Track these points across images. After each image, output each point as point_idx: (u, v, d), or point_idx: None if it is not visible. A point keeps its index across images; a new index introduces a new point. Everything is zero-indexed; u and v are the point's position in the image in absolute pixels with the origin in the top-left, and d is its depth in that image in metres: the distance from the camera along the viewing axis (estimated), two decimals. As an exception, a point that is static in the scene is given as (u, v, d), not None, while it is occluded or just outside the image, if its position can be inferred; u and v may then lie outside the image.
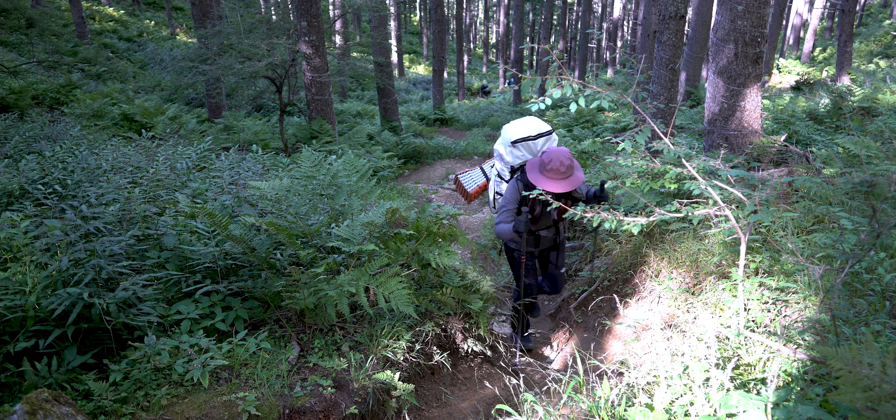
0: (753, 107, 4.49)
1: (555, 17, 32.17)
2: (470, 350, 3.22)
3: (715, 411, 1.65)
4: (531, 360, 3.49)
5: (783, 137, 4.62)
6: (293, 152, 8.66)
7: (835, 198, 3.18)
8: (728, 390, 1.70)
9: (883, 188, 1.63)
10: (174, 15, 24.84)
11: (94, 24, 19.39)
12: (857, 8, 21.87)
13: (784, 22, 24.65)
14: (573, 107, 1.95)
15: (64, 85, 11.16)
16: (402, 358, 2.73)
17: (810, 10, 23.26)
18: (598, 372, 2.59)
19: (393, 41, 25.08)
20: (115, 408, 1.96)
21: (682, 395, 1.82)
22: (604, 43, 32.04)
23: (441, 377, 3.10)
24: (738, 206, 1.80)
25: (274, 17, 15.42)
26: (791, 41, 25.59)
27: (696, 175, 1.85)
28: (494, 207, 3.78)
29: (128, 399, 2.02)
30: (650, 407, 1.83)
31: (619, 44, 33.62)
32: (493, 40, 45.97)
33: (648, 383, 2.04)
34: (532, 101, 2.01)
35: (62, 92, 10.88)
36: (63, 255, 2.34)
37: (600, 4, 38.78)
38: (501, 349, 3.56)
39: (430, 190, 9.07)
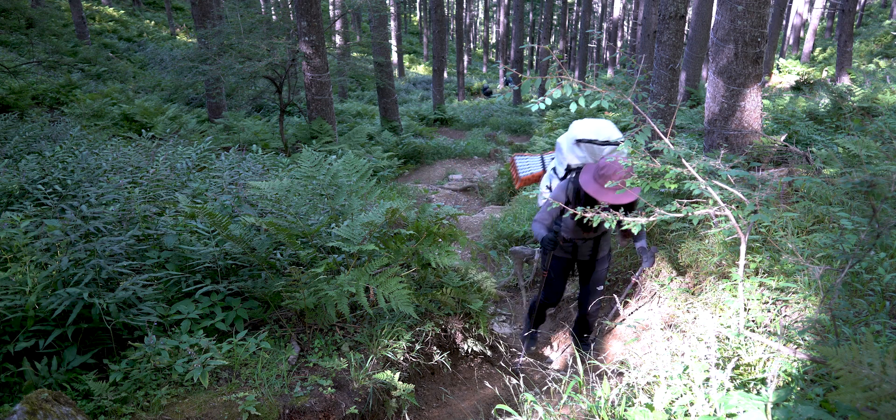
0: (753, 107, 4.49)
1: (555, 17, 32.17)
2: (470, 350, 3.22)
3: (715, 411, 1.65)
4: (531, 360, 3.49)
5: (783, 137, 4.62)
6: (293, 152, 8.66)
7: (835, 198, 3.18)
8: (728, 390, 1.70)
9: (883, 188, 1.62)
10: (174, 15, 24.84)
11: (94, 24, 19.39)
12: (857, 8, 21.87)
13: (784, 22, 24.64)
14: (573, 107, 1.95)
15: (64, 85, 11.16)
16: (402, 358, 2.73)
17: (810, 10, 23.25)
18: (598, 372, 2.59)
19: (393, 41, 25.08)
20: (115, 408, 1.96)
21: (682, 395, 1.82)
22: (604, 43, 32.03)
23: (441, 377, 3.10)
24: (738, 206, 1.80)
25: (274, 17, 15.42)
26: (791, 41, 25.59)
27: (696, 175, 1.85)
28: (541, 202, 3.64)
29: (128, 399, 2.02)
30: (650, 407, 1.83)
31: (619, 44, 33.61)
32: (493, 40, 45.96)
33: (648, 383, 2.04)
34: (532, 101, 2.01)
35: (62, 92, 10.88)
36: (63, 255, 2.34)
37: (600, 4, 38.78)
38: (501, 349, 3.56)
39: (430, 190, 9.07)
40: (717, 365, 1.89)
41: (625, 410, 1.87)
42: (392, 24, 25.73)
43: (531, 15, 37.26)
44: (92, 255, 2.37)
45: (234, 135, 9.26)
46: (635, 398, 1.93)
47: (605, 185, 2.75)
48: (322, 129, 9.21)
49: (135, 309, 2.31)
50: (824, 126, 6.36)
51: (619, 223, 2.80)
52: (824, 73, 15.90)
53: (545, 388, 2.95)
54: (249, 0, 11.92)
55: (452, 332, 3.23)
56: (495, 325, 4.15)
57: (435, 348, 3.04)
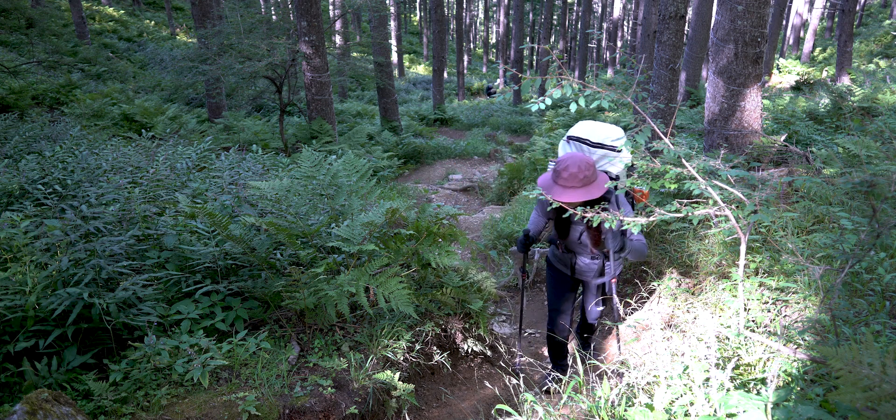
0: (753, 107, 4.49)
1: (555, 17, 32.17)
2: (470, 350, 3.22)
3: (715, 411, 1.65)
4: (531, 360, 3.49)
5: (783, 137, 4.62)
6: (293, 152, 8.66)
7: (835, 198, 3.18)
8: (728, 390, 1.70)
9: (883, 188, 1.62)
10: (174, 15, 24.83)
11: (94, 24, 19.39)
12: (857, 8, 21.87)
13: (784, 22, 24.64)
14: (573, 107, 1.95)
15: (64, 85, 11.16)
16: (402, 358, 2.73)
17: (810, 10, 23.26)
18: (598, 372, 2.59)
19: (393, 41, 25.08)
20: (115, 408, 1.96)
21: (682, 395, 1.82)
22: (604, 43, 32.03)
23: (441, 377, 3.10)
24: (738, 206, 1.80)
25: (274, 17, 15.42)
26: (791, 41, 25.59)
27: (696, 175, 1.85)
28: None
29: (128, 399, 2.02)
30: (650, 407, 1.83)
31: (619, 44, 33.62)
32: (493, 40, 45.96)
33: (648, 383, 2.04)
34: (532, 101, 2.01)
35: (62, 92, 10.88)
36: (63, 255, 2.34)
37: (600, 4, 38.78)
38: (501, 349, 3.56)
39: (430, 190, 9.07)
40: (717, 365, 1.89)
41: (625, 410, 1.87)
42: (392, 24, 25.74)
43: (531, 15, 37.25)
44: (92, 255, 2.37)
45: (234, 135, 9.26)
46: (635, 398, 1.93)
47: (564, 183, 2.48)
48: (322, 129, 9.21)
49: (135, 309, 2.31)
50: (824, 126, 6.36)
51: (598, 228, 2.67)
52: (824, 73, 15.90)
53: (545, 388, 2.95)
54: (249, 0, 11.92)
55: (452, 332, 3.23)
56: (495, 325, 4.15)
57: (435, 348, 3.04)
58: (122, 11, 22.66)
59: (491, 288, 3.53)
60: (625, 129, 3.35)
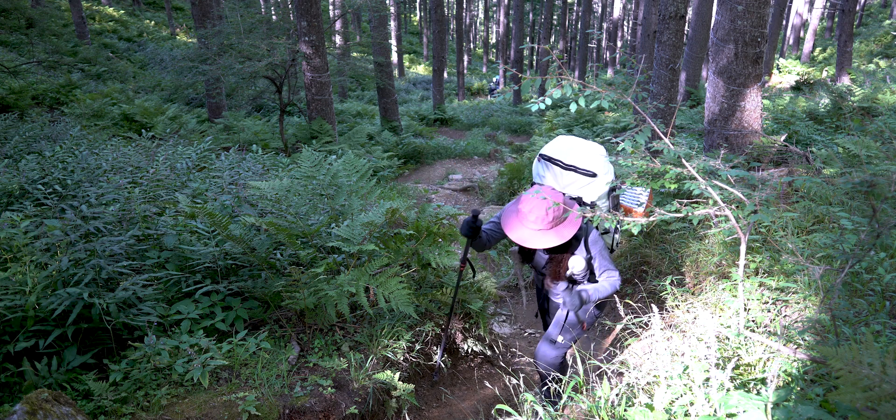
0: (753, 107, 4.49)
1: (555, 17, 32.17)
2: (470, 350, 3.22)
3: (715, 411, 1.65)
4: (531, 360, 3.49)
5: (783, 137, 4.62)
6: (293, 152, 8.66)
7: (835, 198, 3.18)
8: (728, 390, 1.70)
9: (883, 188, 1.63)
10: (174, 15, 24.83)
11: (94, 24, 19.39)
12: (857, 8, 21.87)
13: (784, 22, 24.64)
14: (573, 107, 1.95)
15: (64, 85, 11.16)
16: (402, 358, 2.73)
17: (810, 10, 23.26)
18: (598, 372, 2.59)
19: (393, 41, 25.08)
20: (115, 408, 1.96)
21: (682, 395, 1.82)
22: (604, 43, 32.04)
23: (441, 377, 3.11)
24: (738, 206, 1.80)
25: (274, 17, 15.42)
26: (791, 41, 25.59)
27: (696, 175, 1.85)
28: None
29: (128, 399, 2.02)
30: (650, 407, 1.83)
31: (619, 44, 33.62)
32: (493, 40, 45.96)
33: (648, 383, 2.04)
34: (532, 101, 2.01)
35: (62, 92, 10.88)
36: (63, 255, 2.34)
37: (600, 4, 38.78)
38: (501, 349, 3.56)
39: (430, 190, 9.07)
40: (717, 365, 1.89)
41: (625, 410, 1.87)
42: (392, 24, 25.74)
43: (531, 15, 37.26)
44: (92, 255, 2.37)
45: (234, 135, 9.26)
46: (635, 398, 1.93)
47: (521, 221, 2.31)
48: (322, 129, 9.21)
49: (135, 309, 2.31)
50: (824, 126, 6.37)
51: (559, 260, 2.52)
52: (824, 73, 15.90)
53: (545, 387, 2.94)
54: (249, 0, 11.92)
55: (452, 332, 3.23)
56: (495, 325, 4.15)
57: (435, 348, 3.04)
58: (122, 11, 22.66)
59: (491, 288, 3.53)
60: (625, 129, 3.33)
